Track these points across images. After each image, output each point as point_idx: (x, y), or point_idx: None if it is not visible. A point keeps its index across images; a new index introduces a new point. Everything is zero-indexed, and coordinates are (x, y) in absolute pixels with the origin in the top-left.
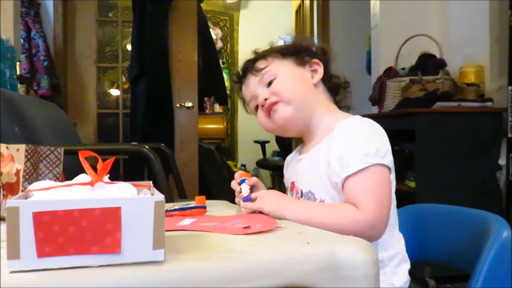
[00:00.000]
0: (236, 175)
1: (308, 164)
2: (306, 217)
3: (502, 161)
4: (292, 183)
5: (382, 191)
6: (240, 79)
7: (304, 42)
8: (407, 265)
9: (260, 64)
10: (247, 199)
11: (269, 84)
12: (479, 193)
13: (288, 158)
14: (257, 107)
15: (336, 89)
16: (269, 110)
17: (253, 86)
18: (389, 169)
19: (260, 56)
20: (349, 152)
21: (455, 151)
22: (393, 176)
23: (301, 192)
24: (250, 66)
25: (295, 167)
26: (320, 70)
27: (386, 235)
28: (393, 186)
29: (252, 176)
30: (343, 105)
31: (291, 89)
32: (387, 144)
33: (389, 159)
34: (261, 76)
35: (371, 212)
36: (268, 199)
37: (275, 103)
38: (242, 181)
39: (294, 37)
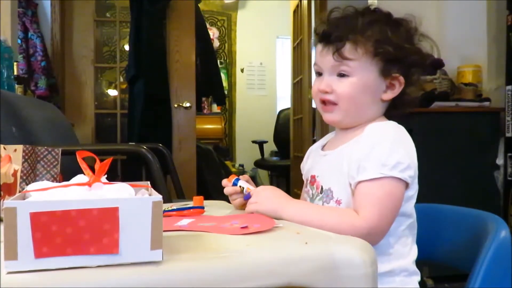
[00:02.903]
0: (224, 182)
1: (333, 161)
2: (304, 220)
3: (499, 161)
4: (313, 177)
5: (389, 203)
6: (322, 40)
7: (409, 53)
8: (417, 277)
9: (348, 52)
10: (248, 197)
11: (340, 74)
12: (477, 193)
13: (312, 148)
14: (317, 73)
15: (401, 106)
16: (322, 102)
17: (326, 65)
18: (407, 183)
19: (352, 39)
20: (369, 157)
21: (453, 150)
22: (414, 190)
23: (321, 188)
24: (337, 46)
25: (318, 161)
26: (398, 90)
27: (399, 245)
28: (413, 199)
29: (249, 176)
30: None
31: (355, 101)
32: (412, 158)
33: (408, 174)
34: (340, 64)
35: (371, 220)
36: (264, 197)
37: (331, 103)
38: (237, 180)
39: (402, 27)
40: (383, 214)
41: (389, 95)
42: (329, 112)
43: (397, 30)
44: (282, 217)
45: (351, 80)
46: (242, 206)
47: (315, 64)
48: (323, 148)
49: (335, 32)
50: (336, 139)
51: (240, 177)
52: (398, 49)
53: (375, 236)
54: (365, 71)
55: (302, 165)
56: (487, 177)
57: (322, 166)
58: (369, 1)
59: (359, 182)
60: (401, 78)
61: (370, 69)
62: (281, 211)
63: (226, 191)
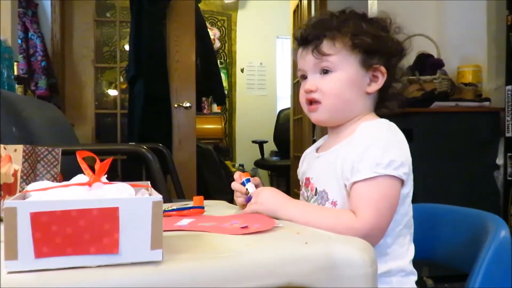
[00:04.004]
0: (236, 176)
1: (326, 163)
2: (301, 221)
3: (499, 161)
4: (308, 179)
5: (385, 203)
6: (301, 43)
7: (385, 42)
8: (414, 277)
9: (326, 48)
10: (249, 199)
11: (323, 70)
12: (477, 193)
13: (307, 151)
14: (302, 77)
15: (388, 99)
16: (308, 102)
17: (308, 65)
18: (402, 181)
19: (330, 36)
20: (362, 158)
21: (453, 150)
22: (409, 187)
23: (316, 190)
24: (315, 44)
25: (313, 164)
26: (381, 80)
27: (396, 245)
28: (408, 198)
29: (250, 176)
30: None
31: (340, 96)
32: (406, 155)
33: (403, 171)
34: (320, 60)
35: (369, 221)
36: (263, 198)
37: (316, 102)
38: (247, 181)
39: (377, 21)
40: (380, 214)
41: (374, 87)
42: (314, 111)
43: (372, 23)
44: (280, 217)
45: (334, 76)
46: (244, 206)
47: (298, 69)
48: (317, 150)
49: (312, 32)
50: (329, 141)
51: (251, 179)
52: (375, 38)
53: (373, 237)
54: (346, 65)
55: (298, 170)
56: (487, 177)
57: (316, 168)
58: (369, 1)
59: (354, 182)
60: (383, 69)
61: (351, 62)
62: (279, 212)
63: (233, 186)
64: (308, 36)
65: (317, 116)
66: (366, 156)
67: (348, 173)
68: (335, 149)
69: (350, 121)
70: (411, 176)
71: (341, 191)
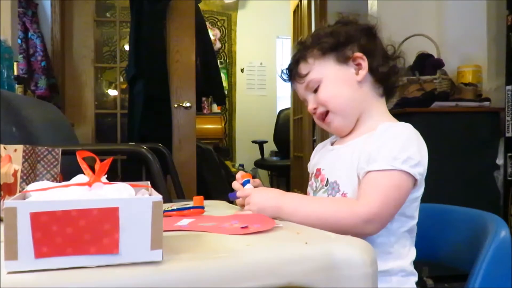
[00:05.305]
0: (238, 175)
1: (341, 155)
2: (302, 213)
3: (499, 161)
4: (319, 170)
5: (393, 194)
6: (289, 78)
7: (344, 32)
8: (415, 278)
9: (302, 69)
10: (233, 196)
11: (316, 90)
12: (477, 193)
13: (319, 145)
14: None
15: (385, 79)
16: (320, 118)
17: (301, 91)
18: (416, 180)
19: (301, 57)
20: (380, 150)
21: (453, 150)
22: (420, 191)
23: (327, 180)
24: (294, 72)
25: (325, 155)
26: (364, 64)
27: (398, 245)
28: (417, 202)
29: (251, 177)
30: (396, 89)
31: (337, 97)
32: (423, 157)
33: (418, 171)
34: (306, 83)
35: (373, 206)
36: (262, 198)
37: (325, 113)
38: (246, 182)
39: (333, 26)
40: (385, 202)
41: (362, 73)
42: (330, 122)
43: (324, 26)
44: (283, 212)
45: (322, 87)
46: (243, 206)
47: (303, 101)
48: (332, 144)
49: (290, 64)
50: (345, 136)
51: (252, 181)
52: (334, 34)
53: (374, 224)
54: (325, 71)
55: (308, 164)
56: (487, 177)
57: (329, 159)
58: (369, 1)
59: (368, 172)
60: (359, 54)
61: (328, 65)
62: (281, 206)
63: (234, 185)
64: (288, 69)
65: (333, 125)
66: (385, 148)
67: (364, 163)
68: (351, 142)
69: (364, 115)
70: (423, 183)
71: (353, 183)
